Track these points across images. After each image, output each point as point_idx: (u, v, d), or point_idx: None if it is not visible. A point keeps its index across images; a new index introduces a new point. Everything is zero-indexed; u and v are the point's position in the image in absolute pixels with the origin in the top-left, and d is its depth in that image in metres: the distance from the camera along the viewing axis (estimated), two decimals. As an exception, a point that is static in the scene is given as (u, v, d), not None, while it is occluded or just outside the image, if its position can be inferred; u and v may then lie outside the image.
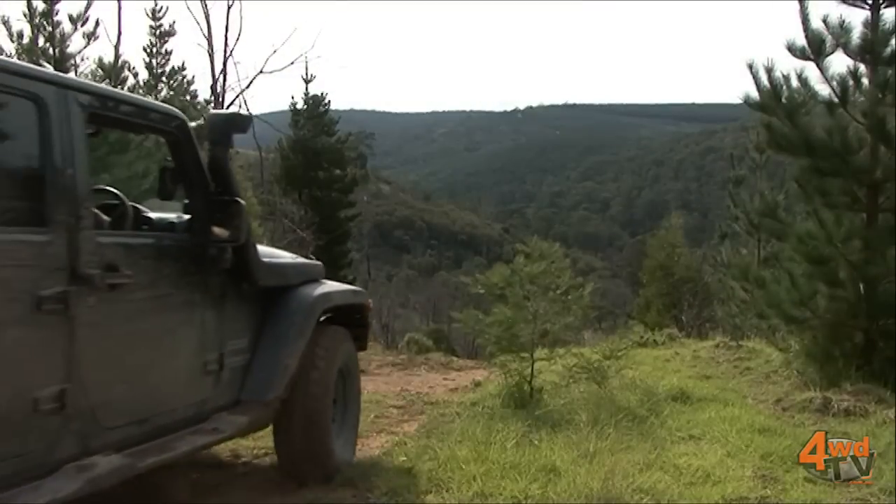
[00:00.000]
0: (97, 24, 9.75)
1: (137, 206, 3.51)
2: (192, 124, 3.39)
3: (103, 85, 3.04)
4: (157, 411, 3.05)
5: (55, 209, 2.51)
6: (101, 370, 2.69)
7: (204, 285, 3.30)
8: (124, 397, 2.84)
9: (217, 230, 3.30)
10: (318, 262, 4.32)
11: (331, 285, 4.17)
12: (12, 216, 2.45)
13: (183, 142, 3.35)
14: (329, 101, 26.52)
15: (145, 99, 3.64)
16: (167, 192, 3.45)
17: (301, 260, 4.27)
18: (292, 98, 26.43)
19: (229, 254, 3.39)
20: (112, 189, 3.49)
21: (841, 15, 6.42)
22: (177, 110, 3.40)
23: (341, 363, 4.02)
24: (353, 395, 4.33)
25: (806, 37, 6.47)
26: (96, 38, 9.76)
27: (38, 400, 2.42)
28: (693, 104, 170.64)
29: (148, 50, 20.32)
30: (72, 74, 9.54)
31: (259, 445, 4.57)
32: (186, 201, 3.45)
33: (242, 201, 3.38)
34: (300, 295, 3.82)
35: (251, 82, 21.31)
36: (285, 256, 4.15)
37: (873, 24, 6.41)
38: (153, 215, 3.52)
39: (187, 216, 3.42)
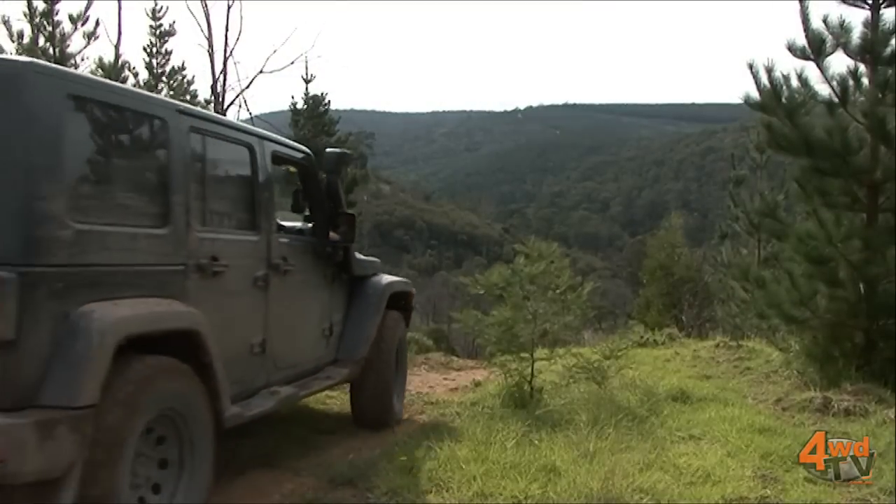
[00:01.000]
0: (97, 23, 9.77)
1: None
2: None
3: (278, 136, 4.62)
4: (301, 360, 4.44)
5: (260, 220, 3.93)
6: (279, 327, 4.03)
7: (324, 273, 4.73)
8: (288, 347, 4.21)
9: (334, 234, 4.79)
10: (378, 259, 5.55)
11: (389, 277, 5.46)
12: (241, 224, 3.89)
13: (310, 172, 4.78)
14: (329, 101, 26.40)
15: (294, 143, 4.87)
16: (298, 207, 4.91)
17: (370, 258, 5.47)
18: (292, 98, 26.36)
19: (340, 251, 4.86)
20: None
21: (841, 15, 6.43)
22: (306, 149, 4.78)
23: (398, 338, 5.34)
24: (404, 363, 5.76)
25: (806, 37, 6.47)
26: (96, 38, 9.77)
27: (253, 345, 3.82)
28: (693, 104, 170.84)
29: (148, 50, 20.31)
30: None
31: (259, 445, 4.58)
32: (307, 213, 4.86)
33: (353, 213, 4.92)
34: (375, 283, 5.20)
35: (251, 82, 21.20)
36: (359, 254, 5.26)
37: (873, 24, 6.41)
38: (284, 223, 4.51)
39: (310, 224, 4.80)
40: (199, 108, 4.54)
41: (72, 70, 3.89)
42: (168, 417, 3.01)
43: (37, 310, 2.58)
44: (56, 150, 2.71)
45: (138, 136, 3.28)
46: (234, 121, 4.70)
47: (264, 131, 4.41)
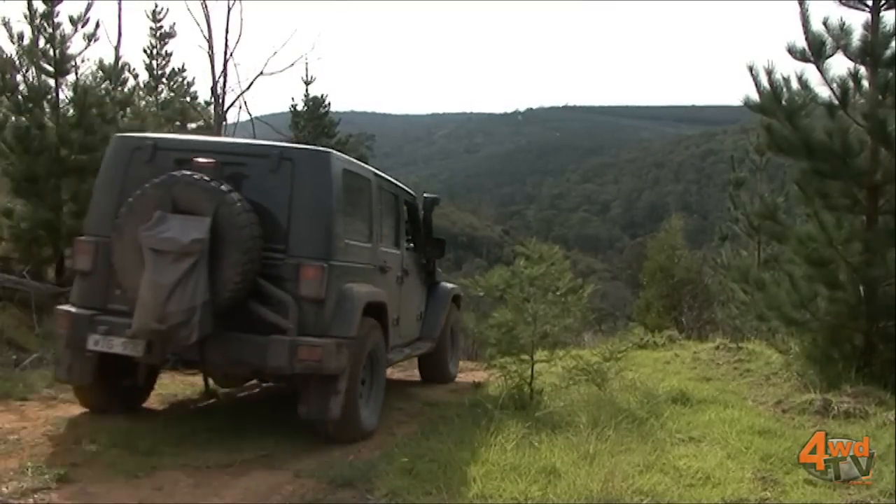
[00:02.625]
0: (97, 25, 9.71)
1: None
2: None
3: (402, 184, 6.93)
4: (408, 334, 6.55)
5: (400, 241, 6.37)
6: (404, 310, 6.23)
7: (421, 278, 7.03)
8: (405, 324, 6.36)
9: (429, 251, 7.17)
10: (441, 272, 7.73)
11: (450, 283, 7.75)
12: (392, 244, 6.17)
13: (416, 210, 7.08)
14: (329, 103, 26.46)
15: (408, 189, 7.02)
16: (406, 234, 6.82)
17: (439, 271, 7.61)
18: (292, 100, 26.43)
19: (431, 264, 7.23)
20: None
21: (841, 17, 6.44)
22: (412, 192, 7.14)
23: (452, 324, 7.67)
24: (457, 340, 8.21)
25: (806, 39, 6.48)
26: (97, 40, 9.70)
27: (395, 319, 5.82)
28: (693, 106, 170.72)
29: (148, 51, 20.35)
30: (71, 77, 9.55)
31: (259, 446, 4.58)
32: (411, 237, 7.03)
33: (443, 238, 7.52)
34: (444, 287, 7.48)
35: (251, 84, 21.25)
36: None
37: (873, 26, 6.41)
38: None
39: (412, 245, 6.97)
40: (381, 173, 6.21)
41: (343, 154, 5.56)
42: (370, 354, 5.11)
43: (331, 284, 4.72)
44: (339, 199, 4.94)
45: (362, 191, 5.54)
46: (390, 178, 6.47)
47: (398, 183, 6.66)
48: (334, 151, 5.19)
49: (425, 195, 7.33)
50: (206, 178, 4.59)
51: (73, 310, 4.86)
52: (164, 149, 5.03)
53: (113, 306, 4.78)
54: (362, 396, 5.05)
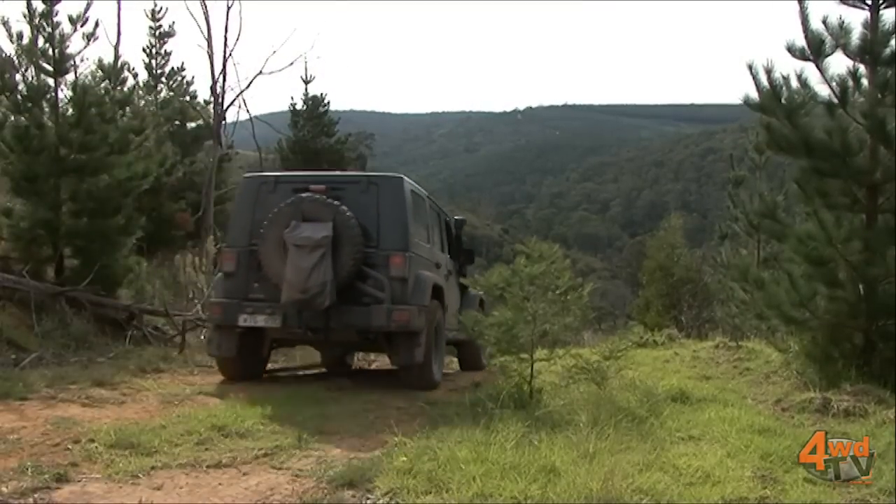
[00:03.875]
0: (97, 24, 9.70)
1: None
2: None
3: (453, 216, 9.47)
4: (452, 323, 7.98)
5: (445, 248, 8.65)
6: (449, 303, 7.95)
7: (457, 280, 8.47)
8: (451, 312, 7.98)
9: (462, 259, 9.08)
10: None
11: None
12: (443, 249, 8.44)
13: (450, 225, 8.99)
14: (328, 102, 26.46)
15: (446, 212, 9.13)
16: (447, 246, 8.71)
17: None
18: (292, 99, 26.42)
19: (464, 269, 8.87)
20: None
21: (840, 16, 6.43)
22: (452, 218, 9.39)
23: None
24: None
25: (805, 37, 6.47)
26: (96, 39, 9.69)
27: (451, 310, 8.15)
28: (693, 105, 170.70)
29: (147, 51, 20.33)
30: (70, 76, 9.54)
31: (259, 446, 4.58)
32: (449, 248, 8.85)
33: (472, 249, 9.65)
34: (472, 291, 8.68)
35: (251, 83, 21.33)
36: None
37: (873, 24, 6.41)
38: None
39: (449, 254, 8.73)
40: (434, 198, 8.53)
41: (409, 179, 7.40)
42: (436, 325, 7.20)
43: (410, 268, 6.72)
44: (410, 210, 7.03)
45: (421, 206, 7.63)
46: (437, 203, 8.58)
47: (439, 204, 8.91)
48: (405, 177, 7.31)
49: (455, 217, 9.48)
50: (325, 198, 6.72)
51: (222, 300, 6.94)
52: (283, 182, 7.21)
53: (252, 296, 6.85)
54: (433, 354, 7.10)
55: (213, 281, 7.62)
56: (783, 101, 6.59)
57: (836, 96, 6.45)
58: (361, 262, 6.61)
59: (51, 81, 9.49)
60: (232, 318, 6.79)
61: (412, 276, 6.81)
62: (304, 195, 6.73)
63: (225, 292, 7.00)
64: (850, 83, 6.42)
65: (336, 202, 6.67)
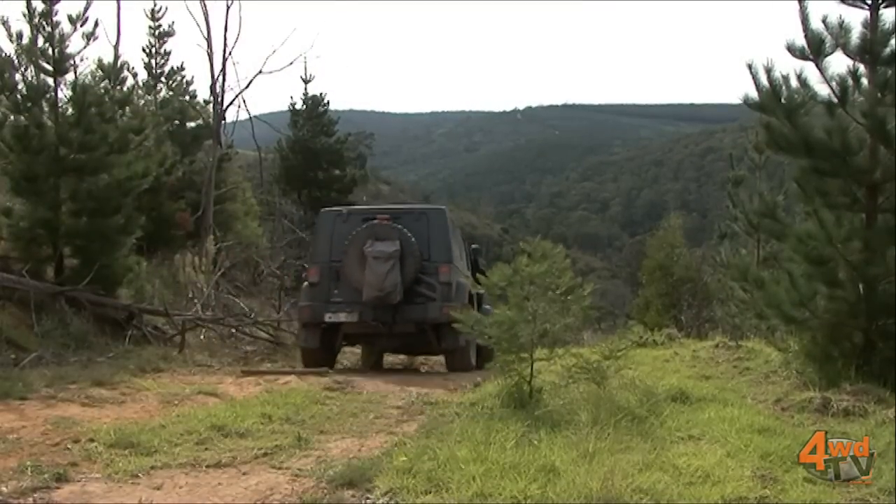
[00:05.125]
0: (96, 24, 9.70)
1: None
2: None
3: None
4: None
5: (468, 261, 10.70)
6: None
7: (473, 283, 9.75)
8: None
9: (477, 278, 8.20)
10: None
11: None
12: (467, 266, 10.39)
13: (475, 254, 11.18)
14: (328, 102, 26.48)
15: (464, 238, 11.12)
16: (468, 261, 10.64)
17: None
18: (291, 98, 26.43)
19: (476, 274, 9.05)
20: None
21: (840, 15, 6.40)
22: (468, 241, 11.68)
23: None
24: None
25: (805, 37, 6.46)
26: (95, 39, 9.69)
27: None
28: (692, 104, 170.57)
29: (147, 50, 20.30)
30: (70, 76, 9.54)
31: (259, 446, 4.58)
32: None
33: (483, 262, 11.10)
34: (486, 305, 9.39)
35: (250, 82, 21.30)
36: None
37: (872, 24, 6.40)
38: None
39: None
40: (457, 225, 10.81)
41: (448, 210, 9.79)
42: None
43: (453, 275, 9.03)
44: (451, 233, 9.35)
45: (456, 231, 9.89)
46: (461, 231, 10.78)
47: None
48: (446, 208, 9.94)
49: (473, 246, 11.33)
50: (391, 223, 8.95)
51: (310, 303, 9.14)
52: (353, 213, 9.61)
53: (332, 300, 9.00)
54: (470, 343, 8.80)
55: (301, 289, 9.91)
56: (783, 100, 6.57)
57: (836, 96, 6.44)
58: (419, 271, 8.76)
59: (50, 81, 9.49)
60: (318, 316, 8.96)
61: (454, 282, 9.04)
62: (375, 221, 8.99)
63: (311, 297, 9.18)
64: (850, 83, 6.41)
65: (399, 226, 8.92)
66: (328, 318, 8.86)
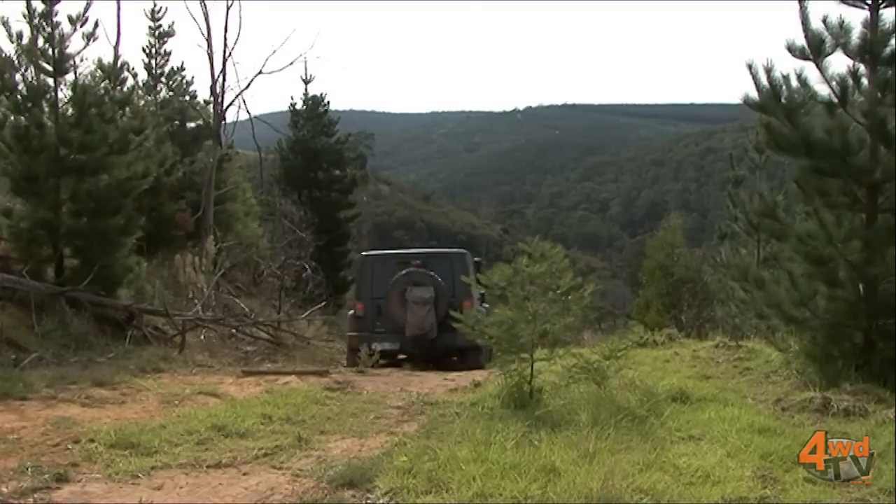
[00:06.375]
0: (96, 24, 9.69)
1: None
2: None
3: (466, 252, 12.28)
4: None
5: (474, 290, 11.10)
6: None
7: (481, 303, 10.98)
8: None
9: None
10: None
11: None
12: (479, 298, 11.24)
13: (477, 267, 11.59)
14: (328, 102, 26.49)
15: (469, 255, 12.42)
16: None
17: None
18: (291, 98, 26.42)
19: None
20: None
21: (840, 15, 6.40)
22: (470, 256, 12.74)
23: None
24: None
25: (805, 37, 6.46)
26: (95, 39, 9.68)
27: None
28: (692, 104, 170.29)
29: (147, 50, 20.28)
30: (70, 76, 9.53)
31: (259, 446, 4.58)
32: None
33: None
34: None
35: (250, 83, 21.30)
36: None
37: (873, 24, 6.40)
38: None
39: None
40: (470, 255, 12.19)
41: (468, 252, 12.20)
42: None
43: (472, 308, 8.94)
44: (470, 272, 10.13)
45: (473, 264, 11.58)
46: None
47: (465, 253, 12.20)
48: (467, 252, 11.80)
49: (475, 259, 12.43)
50: (425, 270, 10.80)
51: (358, 333, 10.93)
52: (389, 258, 11.72)
53: (377, 332, 10.85)
54: (484, 357, 9.84)
55: (348, 319, 12.01)
56: (783, 100, 6.57)
57: (836, 96, 6.44)
58: (449, 308, 9.29)
59: (51, 81, 9.49)
60: (366, 343, 10.40)
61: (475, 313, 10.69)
62: (412, 269, 10.89)
63: (358, 328, 11.15)
64: (850, 82, 6.41)
65: (433, 273, 10.79)
66: (375, 346, 10.36)
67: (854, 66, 6.43)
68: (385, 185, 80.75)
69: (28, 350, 7.58)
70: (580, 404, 5.23)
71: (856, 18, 6.45)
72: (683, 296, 20.17)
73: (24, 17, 9.32)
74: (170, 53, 20.45)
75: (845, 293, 6.47)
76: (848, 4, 6.52)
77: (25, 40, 9.32)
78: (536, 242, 6.15)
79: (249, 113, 21.38)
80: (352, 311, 11.77)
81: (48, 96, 9.49)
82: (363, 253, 12.52)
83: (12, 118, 9.34)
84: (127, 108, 10.96)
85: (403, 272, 10.80)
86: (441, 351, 10.85)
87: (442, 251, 12.26)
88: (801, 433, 4.61)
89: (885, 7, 6.41)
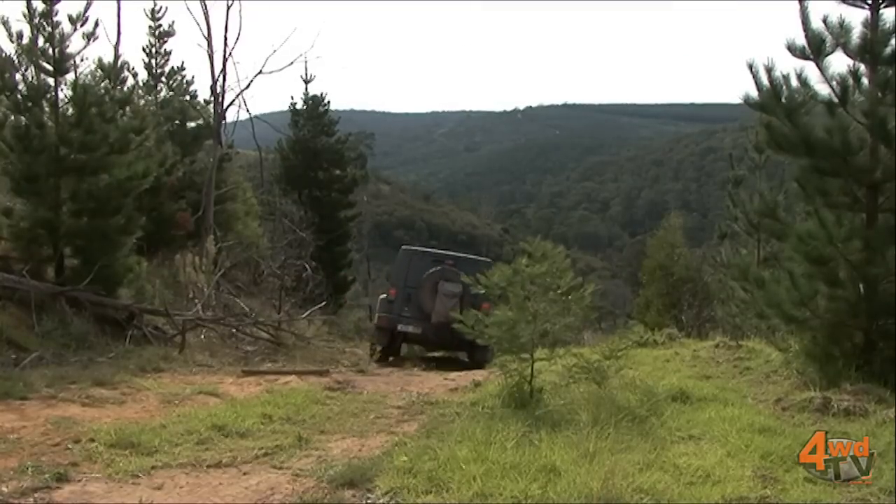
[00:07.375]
0: (96, 24, 9.67)
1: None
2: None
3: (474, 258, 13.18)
4: None
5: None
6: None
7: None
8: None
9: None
10: None
11: None
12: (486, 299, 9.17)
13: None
14: (328, 102, 26.49)
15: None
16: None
17: None
18: (292, 98, 26.43)
19: None
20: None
21: (841, 15, 6.40)
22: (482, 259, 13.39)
23: None
24: None
25: (806, 36, 6.46)
26: (96, 39, 9.67)
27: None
28: (693, 104, 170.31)
29: (147, 50, 20.28)
30: (70, 76, 9.53)
31: (259, 446, 4.58)
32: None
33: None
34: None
35: (251, 82, 21.31)
36: None
37: (873, 23, 6.40)
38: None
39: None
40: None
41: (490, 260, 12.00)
42: None
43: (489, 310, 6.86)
44: (485, 267, 8.54)
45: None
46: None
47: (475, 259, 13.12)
48: (491, 261, 11.05)
49: (485, 260, 12.96)
50: (456, 270, 11.13)
51: (388, 315, 12.10)
52: (427, 254, 12.78)
53: (403, 315, 11.97)
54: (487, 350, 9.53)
55: (378, 302, 13.09)
56: (783, 100, 6.57)
57: (837, 95, 6.44)
58: (471, 306, 9.62)
59: (51, 81, 9.48)
60: (393, 325, 12.01)
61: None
62: (446, 267, 11.86)
63: (388, 311, 12.21)
64: (851, 82, 6.41)
65: (460, 272, 10.70)
66: (400, 327, 11.95)
67: (854, 65, 6.44)
68: (385, 184, 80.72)
69: (28, 350, 7.57)
70: (580, 404, 5.23)
71: (856, 18, 6.45)
72: (684, 295, 20.18)
73: (25, 16, 9.30)
74: (170, 53, 20.46)
75: (846, 293, 6.47)
76: (848, 4, 6.52)
77: (26, 40, 9.31)
78: (537, 242, 6.15)
79: (249, 112, 21.39)
80: (384, 296, 12.86)
81: (48, 96, 9.48)
82: (404, 246, 13.54)
83: (13, 118, 9.32)
84: (127, 108, 10.95)
85: (438, 268, 11.89)
86: (455, 342, 11.65)
87: (472, 257, 13.39)
88: (802, 433, 4.61)
89: (885, 7, 6.40)
